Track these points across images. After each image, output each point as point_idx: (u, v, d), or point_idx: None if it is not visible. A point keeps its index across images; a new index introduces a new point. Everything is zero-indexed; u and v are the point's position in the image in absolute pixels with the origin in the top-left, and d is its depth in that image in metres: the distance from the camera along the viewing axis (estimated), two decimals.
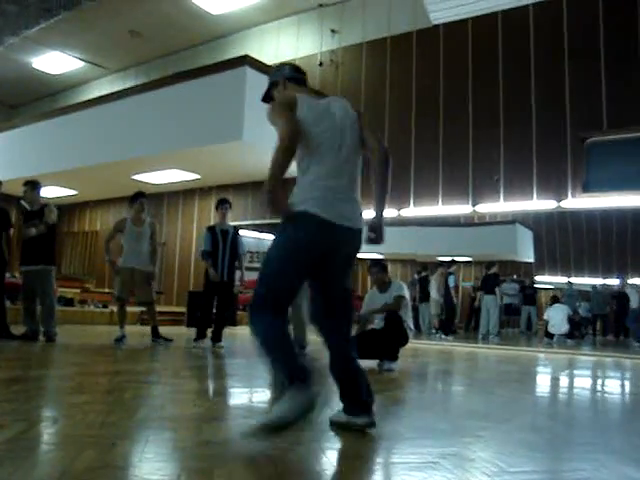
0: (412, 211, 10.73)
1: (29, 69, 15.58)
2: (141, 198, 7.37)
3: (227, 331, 7.24)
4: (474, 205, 10.27)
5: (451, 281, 11.35)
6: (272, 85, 3.17)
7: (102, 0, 11.44)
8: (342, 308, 2.85)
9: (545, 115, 9.84)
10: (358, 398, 2.80)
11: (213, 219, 13.10)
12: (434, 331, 11.74)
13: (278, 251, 2.65)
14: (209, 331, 7.19)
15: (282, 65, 3.28)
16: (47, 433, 2.56)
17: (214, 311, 7.30)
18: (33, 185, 7.22)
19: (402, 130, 11.02)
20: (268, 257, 2.66)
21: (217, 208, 7.51)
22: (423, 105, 11.01)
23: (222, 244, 7.19)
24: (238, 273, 7.40)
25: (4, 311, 7.06)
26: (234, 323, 11.59)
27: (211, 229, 7.39)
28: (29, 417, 2.79)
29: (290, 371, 2.48)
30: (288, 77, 3.17)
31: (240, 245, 7.34)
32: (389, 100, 11.34)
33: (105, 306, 11.89)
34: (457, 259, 11.94)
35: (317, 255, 2.67)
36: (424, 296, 11.74)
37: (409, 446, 2.56)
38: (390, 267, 6.60)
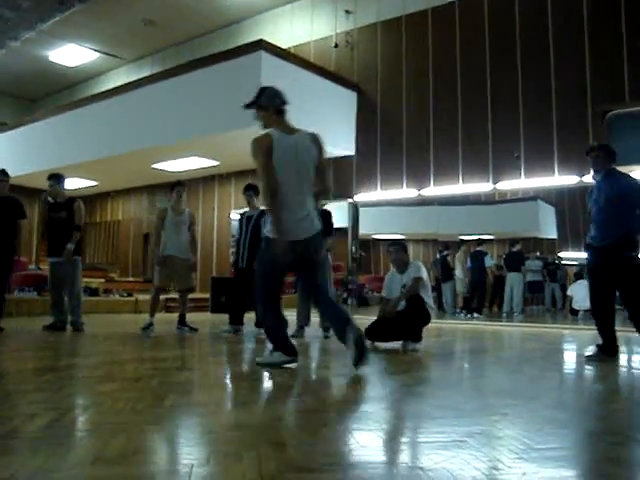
0: (432, 190, 10.66)
1: (46, 63, 15.67)
2: (178, 187, 7.43)
3: (248, 316, 7.28)
4: (495, 182, 10.18)
5: (487, 261, 11.29)
6: (260, 104, 4.15)
7: None
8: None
9: (565, 88, 9.68)
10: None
11: (234, 205, 13.17)
12: (458, 310, 11.73)
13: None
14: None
15: (277, 92, 4.17)
16: (78, 421, 2.60)
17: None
18: (58, 178, 7.35)
19: (420, 109, 10.92)
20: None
21: (243, 194, 7.51)
22: (441, 83, 10.90)
23: (245, 230, 7.20)
24: None
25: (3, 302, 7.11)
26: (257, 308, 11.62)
27: (240, 217, 7.46)
28: (60, 405, 2.85)
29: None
30: (278, 109, 4.14)
31: (263, 227, 7.26)
32: (406, 80, 11.24)
33: (129, 294, 12.01)
34: (483, 237, 11.85)
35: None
36: (446, 275, 11.70)
37: (435, 425, 2.56)
38: (412, 247, 6.57)
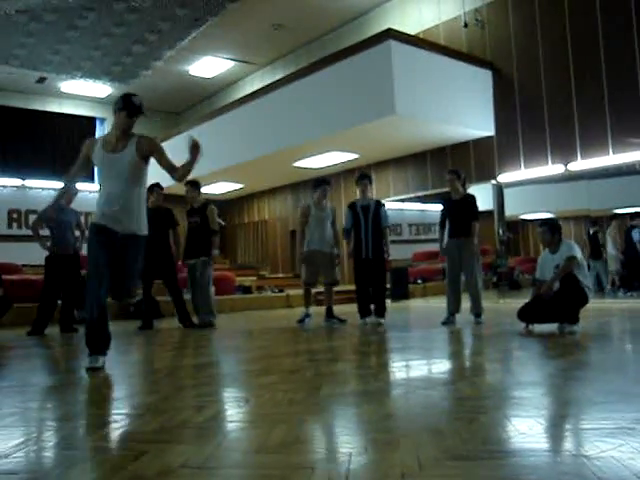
0: (580, 164, 10.07)
1: (187, 77, 16.60)
2: (324, 185, 7.57)
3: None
4: None
5: (636, 235, 10.57)
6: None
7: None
8: None
9: None
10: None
11: (375, 195, 13.20)
12: (609, 288, 11.06)
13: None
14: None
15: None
16: (241, 412, 2.75)
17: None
18: (194, 185, 7.78)
19: (560, 80, 10.34)
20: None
21: (356, 184, 7.51)
22: (580, 49, 10.24)
23: (364, 220, 7.17)
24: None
25: (183, 302, 7.65)
26: (406, 296, 11.61)
27: (351, 206, 7.43)
28: (224, 398, 3.02)
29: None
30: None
31: (383, 219, 7.22)
32: (542, 51, 10.69)
33: (281, 290, 12.41)
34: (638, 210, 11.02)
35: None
36: (595, 253, 11.04)
37: (600, 411, 2.44)
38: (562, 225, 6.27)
